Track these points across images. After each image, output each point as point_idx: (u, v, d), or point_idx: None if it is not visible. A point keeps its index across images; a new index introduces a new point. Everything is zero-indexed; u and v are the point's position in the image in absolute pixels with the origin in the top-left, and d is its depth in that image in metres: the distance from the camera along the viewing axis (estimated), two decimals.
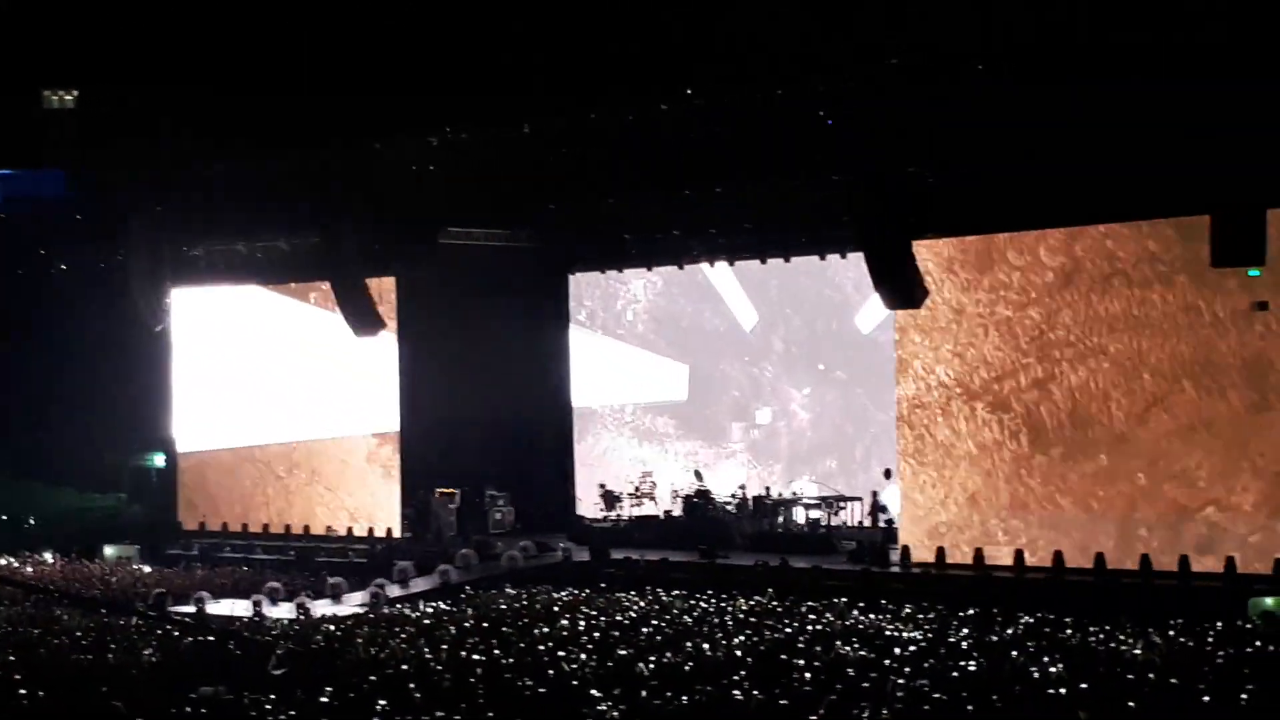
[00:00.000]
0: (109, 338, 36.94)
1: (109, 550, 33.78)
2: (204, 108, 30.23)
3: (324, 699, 16.32)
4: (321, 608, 26.02)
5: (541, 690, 16.55)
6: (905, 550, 27.03)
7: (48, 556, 33.48)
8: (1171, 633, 19.90)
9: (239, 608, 25.96)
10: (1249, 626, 20.53)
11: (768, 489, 31.46)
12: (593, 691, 16.22)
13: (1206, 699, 15.26)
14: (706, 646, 19.27)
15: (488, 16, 26.32)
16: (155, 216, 34.20)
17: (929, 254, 26.80)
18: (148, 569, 31.72)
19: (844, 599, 23.80)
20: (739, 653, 18.84)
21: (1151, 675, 16.52)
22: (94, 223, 36.08)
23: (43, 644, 21.17)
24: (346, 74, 28.11)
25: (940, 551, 26.58)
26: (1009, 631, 20.48)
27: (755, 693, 16.00)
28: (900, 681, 16.29)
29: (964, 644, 19.29)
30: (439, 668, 18.11)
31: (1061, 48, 23.03)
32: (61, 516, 37.32)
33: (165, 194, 33.64)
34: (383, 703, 15.93)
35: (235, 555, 32.86)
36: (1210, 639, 19.28)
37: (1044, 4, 22.89)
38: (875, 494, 30.17)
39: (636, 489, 32.71)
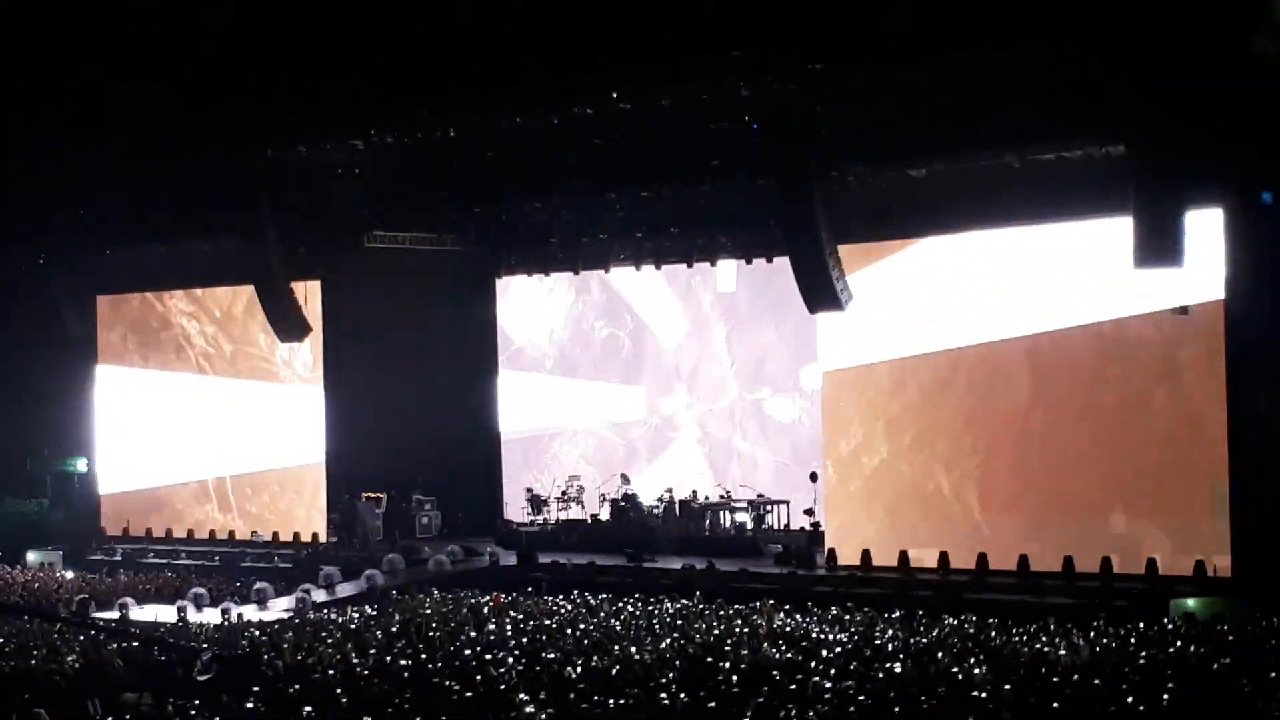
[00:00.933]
0: (30, 342, 36.63)
1: (31, 556, 33.52)
2: (126, 108, 29.99)
3: (250, 705, 16.24)
4: (247, 613, 25.91)
5: (469, 694, 16.53)
6: (831, 553, 27.14)
7: None
8: (1093, 634, 20.09)
9: (163, 613, 25.82)
10: (1170, 627, 20.73)
11: (694, 492, 31.50)
12: (520, 695, 16.21)
13: (1129, 699, 15.39)
14: (634, 649, 19.29)
15: (414, 16, 26.23)
16: (77, 220, 33.94)
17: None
18: (70, 574, 31.49)
19: (771, 601, 23.88)
20: (667, 655, 18.88)
21: (1075, 677, 16.66)
22: (15, 226, 35.76)
23: None
24: (271, 74, 27.95)
25: (866, 554, 26.69)
26: (934, 633, 20.61)
27: (682, 695, 16.04)
28: (825, 684, 16.35)
29: (890, 646, 19.40)
30: (365, 673, 18.05)
31: (983, 44, 23.20)
32: None
33: (87, 197, 33.37)
34: (309, 709, 15.87)
35: (159, 560, 32.66)
36: (1133, 640, 19.46)
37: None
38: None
39: (564, 493, 32.71)
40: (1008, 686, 16.20)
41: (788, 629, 21.20)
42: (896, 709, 15.33)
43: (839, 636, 20.32)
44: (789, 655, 18.66)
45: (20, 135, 31.84)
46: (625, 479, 32.22)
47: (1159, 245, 22.64)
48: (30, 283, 35.97)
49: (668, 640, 20.15)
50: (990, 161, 25.17)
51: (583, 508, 32.49)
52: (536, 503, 32.67)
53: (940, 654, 18.63)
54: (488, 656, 18.96)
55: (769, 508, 30.59)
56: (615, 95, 26.28)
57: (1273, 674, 16.28)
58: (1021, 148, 24.69)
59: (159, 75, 28.66)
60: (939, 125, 24.69)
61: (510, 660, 18.61)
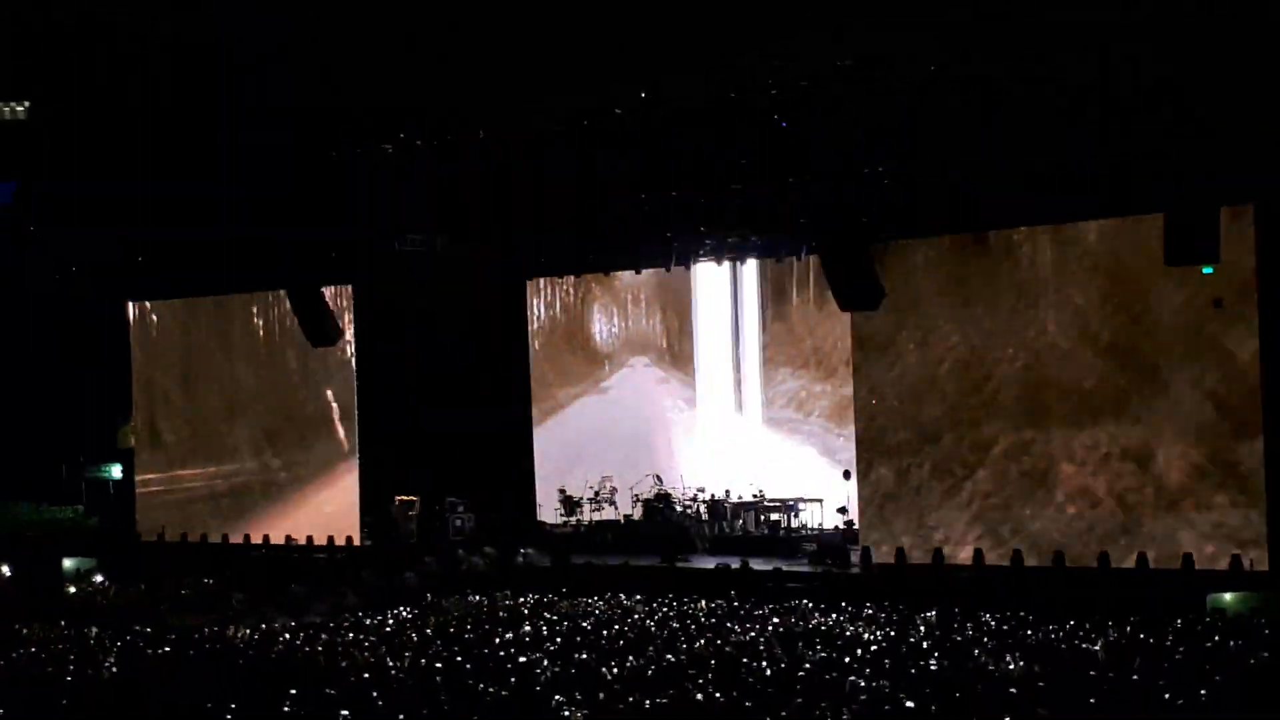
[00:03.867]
0: (64, 348, 36.78)
1: (67, 563, 33.62)
2: (155, 114, 30.06)
3: (286, 708, 16.27)
4: (282, 617, 25.95)
5: (504, 694, 16.54)
6: (865, 551, 27.09)
7: (4, 570, 33.30)
8: (1130, 630, 20.03)
9: (200, 619, 25.87)
10: (1207, 623, 20.66)
11: (727, 491, 31.49)
12: (555, 696, 16.22)
13: (1166, 695, 15.33)
14: (668, 650, 19.28)
15: (441, 18, 26.25)
16: (108, 227, 34.03)
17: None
18: (107, 581, 31.59)
19: (805, 600, 23.84)
20: (701, 655, 18.86)
21: (1111, 673, 16.60)
22: (46, 233, 35.89)
23: (1, 658, 21.06)
24: (299, 80, 28.01)
25: (900, 552, 26.64)
26: (969, 630, 20.56)
27: (717, 695, 16.02)
28: (860, 683, 16.32)
29: (925, 643, 19.36)
30: (401, 675, 18.08)
31: (1015, 46, 23.16)
32: (18, 529, 37.11)
33: (118, 205, 33.46)
34: (345, 712, 15.90)
35: (195, 566, 32.71)
36: (1169, 636, 19.39)
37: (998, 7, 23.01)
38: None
39: (596, 494, 32.70)
40: (1043, 683, 16.17)
41: (822, 628, 21.18)
42: (932, 706, 15.29)
43: (874, 634, 20.29)
44: (824, 654, 18.64)
45: (51, 145, 31.96)
46: (658, 479, 32.21)
47: (1193, 242, 22.64)
48: (61, 288, 36.11)
49: (702, 640, 20.15)
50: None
51: (616, 508, 32.49)
52: (569, 504, 32.69)
53: (976, 650, 18.60)
54: (522, 658, 18.97)
55: (802, 506, 30.56)
56: (643, 95, 26.29)
57: None
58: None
59: (186, 80, 28.73)
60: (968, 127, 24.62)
61: (545, 661, 18.63)
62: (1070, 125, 23.63)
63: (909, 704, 15.35)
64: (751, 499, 31.17)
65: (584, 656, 18.92)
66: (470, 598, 26.20)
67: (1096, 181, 24.36)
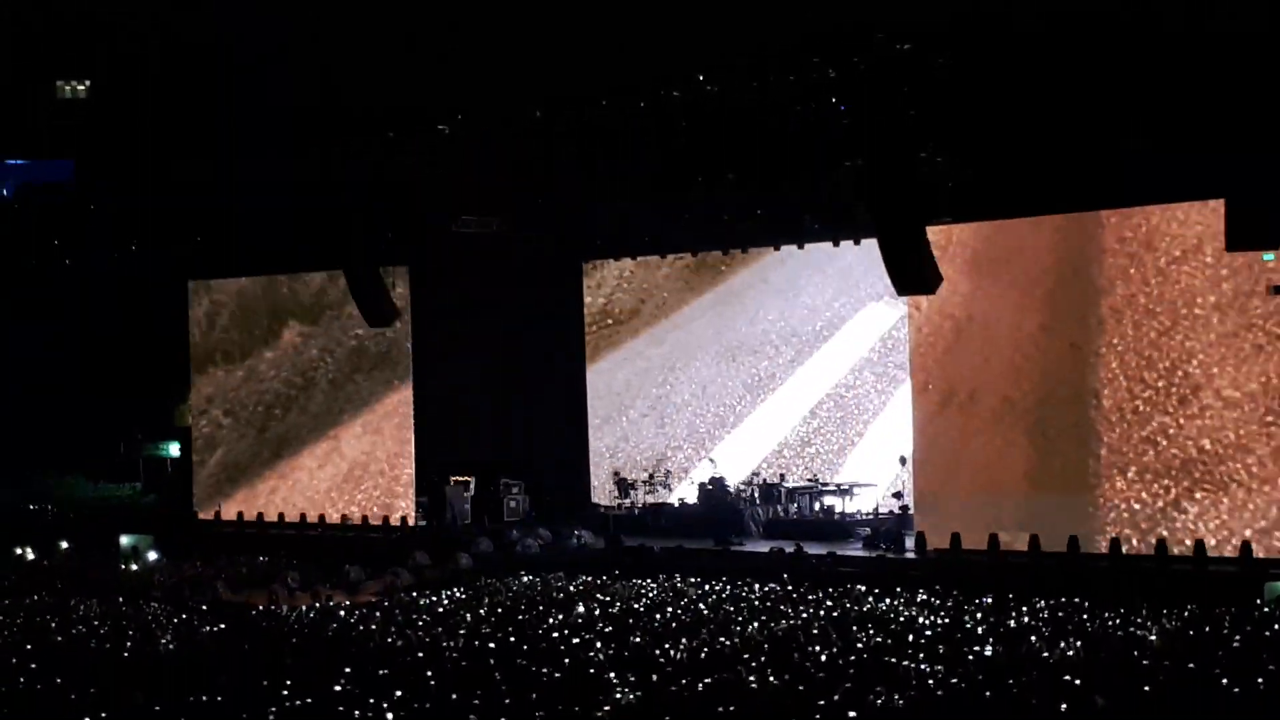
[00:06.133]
0: (123, 327, 37.00)
1: (125, 540, 33.84)
2: (215, 97, 30.23)
3: (339, 688, 16.34)
4: (337, 597, 26.07)
5: (557, 676, 16.58)
6: (920, 536, 26.99)
7: (63, 546, 33.55)
8: (1186, 617, 19.91)
9: (255, 597, 26.02)
10: (1265, 611, 20.51)
11: (782, 475, 31.44)
12: (609, 677, 16.24)
13: (1223, 682, 15.24)
14: (721, 633, 19.28)
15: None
16: (169, 206, 34.24)
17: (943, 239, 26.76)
18: (164, 558, 31.79)
19: (859, 585, 23.79)
20: (754, 639, 18.86)
21: (1166, 660, 16.51)
22: (106, 212, 36.12)
23: (59, 633, 21.23)
24: (359, 63, 28.10)
25: (955, 537, 26.52)
26: (1024, 616, 20.48)
27: (771, 679, 16.01)
28: (916, 668, 16.28)
29: (979, 629, 19.30)
30: (455, 655, 18.13)
31: (1075, 28, 23.02)
32: (76, 506, 37.40)
33: (177, 184, 33.66)
34: (399, 691, 15.96)
35: (251, 544, 32.87)
36: (1226, 623, 19.27)
37: None
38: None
39: (650, 476, 32.70)
40: (1096, 669, 16.10)
41: (877, 613, 21.14)
42: (986, 692, 15.25)
43: (928, 620, 20.24)
44: (878, 639, 18.60)
45: (112, 125, 32.18)
46: (713, 462, 32.18)
47: (1254, 227, 22.46)
48: (121, 267, 36.32)
49: (755, 624, 20.13)
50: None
51: (670, 491, 32.48)
52: (623, 486, 32.69)
53: (1031, 637, 18.53)
54: (575, 639, 19.00)
55: (857, 490, 30.47)
56: (701, 78, 26.25)
57: None
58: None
59: (248, 64, 28.88)
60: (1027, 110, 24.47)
61: (598, 643, 18.65)
62: (1131, 109, 23.45)
63: (962, 689, 15.33)
64: (806, 483, 31.10)
65: (637, 639, 18.94)
66: (524, 579, 26.25)
67: (1160, 164, 24.17)
